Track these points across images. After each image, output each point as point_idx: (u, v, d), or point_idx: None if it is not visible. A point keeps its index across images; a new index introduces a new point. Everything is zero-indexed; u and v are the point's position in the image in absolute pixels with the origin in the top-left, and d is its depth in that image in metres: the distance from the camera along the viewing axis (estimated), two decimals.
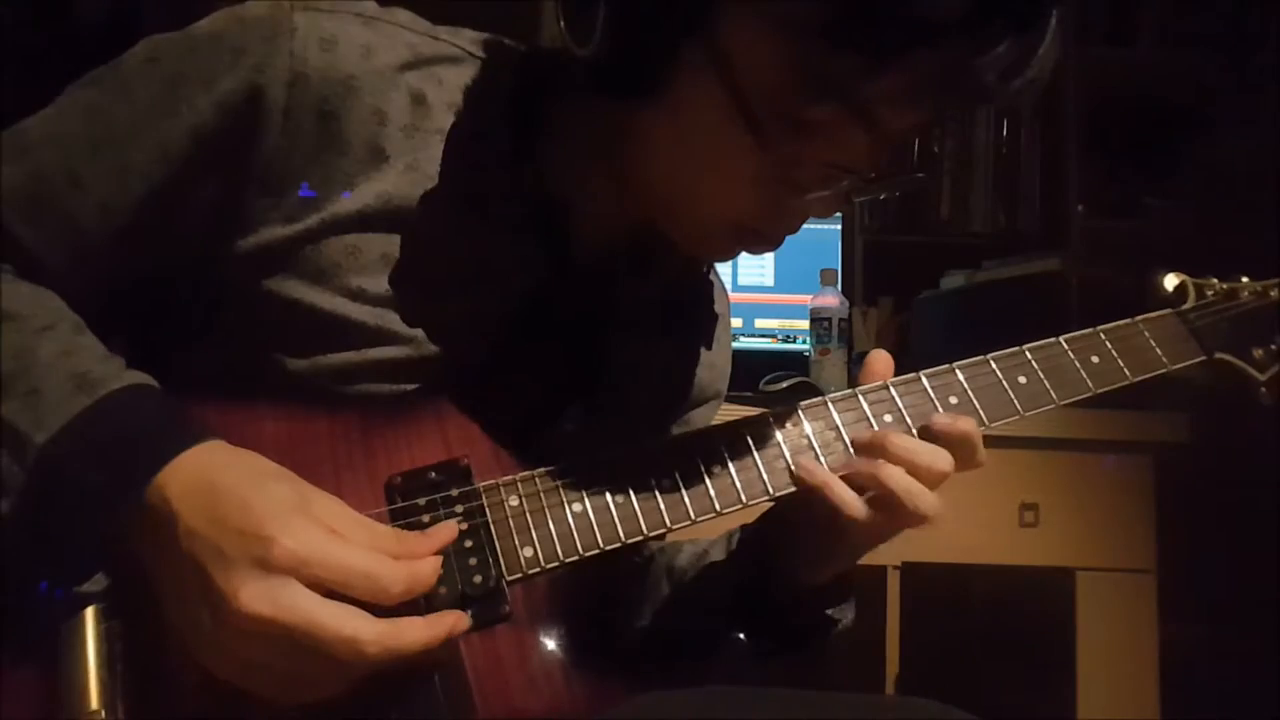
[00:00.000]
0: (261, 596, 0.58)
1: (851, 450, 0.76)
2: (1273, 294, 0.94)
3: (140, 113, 0.72)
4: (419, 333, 0.75)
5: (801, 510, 0.77)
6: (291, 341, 0.73)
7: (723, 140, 0.70)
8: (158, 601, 0.63)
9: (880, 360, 0.80)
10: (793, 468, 0.75)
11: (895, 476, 0.72)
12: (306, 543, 0.60)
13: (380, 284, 0.74)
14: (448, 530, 0.68)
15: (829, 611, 0.84)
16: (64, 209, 0.72)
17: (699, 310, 0.97)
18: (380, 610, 0.61)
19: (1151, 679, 1.71)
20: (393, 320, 0.74)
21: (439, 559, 0.66)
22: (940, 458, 0.73)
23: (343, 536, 0.62)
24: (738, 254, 0.81)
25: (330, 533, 0.61)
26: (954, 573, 1.77)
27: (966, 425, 0.75)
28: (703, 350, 0.98)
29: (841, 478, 0.74)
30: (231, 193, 0.72)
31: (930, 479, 0.73)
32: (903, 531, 0.75)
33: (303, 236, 0.73)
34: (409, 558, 0.64)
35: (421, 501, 0.70)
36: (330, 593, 0.60)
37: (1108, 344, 0.84)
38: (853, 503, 0.72)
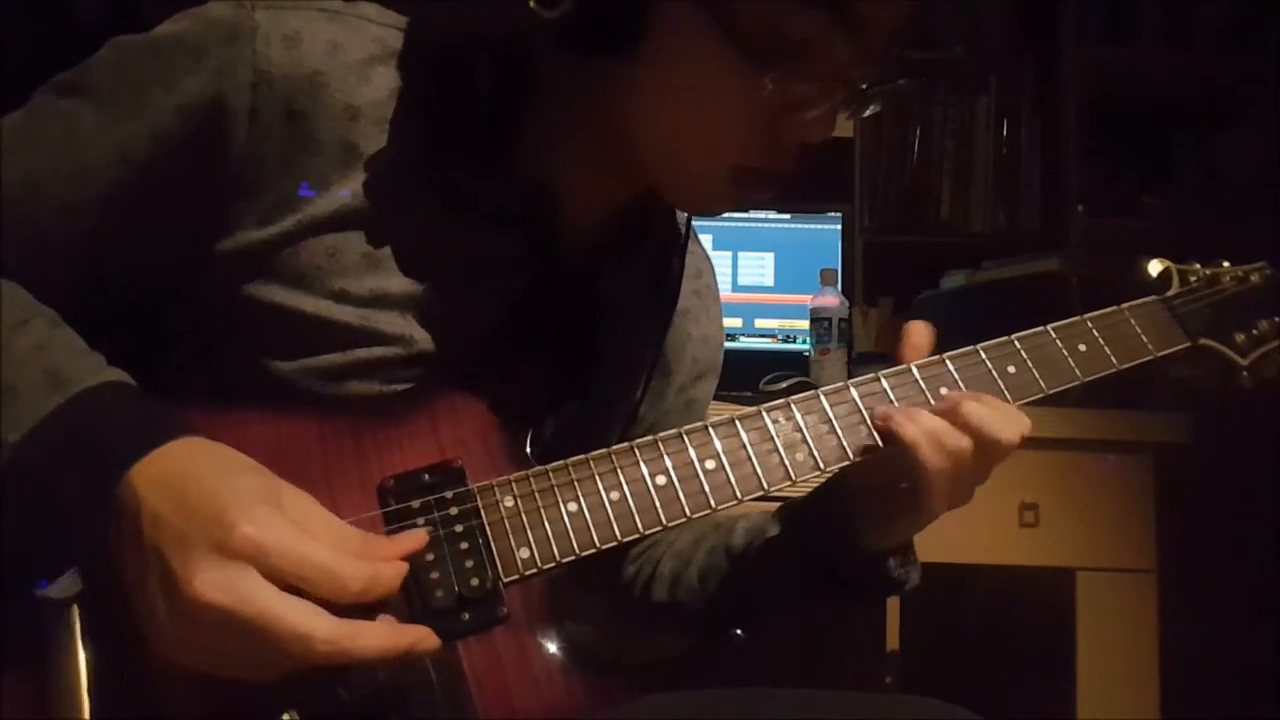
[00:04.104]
0: (217, 584, 0.57)
1: (844, 443, 0.76)
2: (1253, 278, 0.94)
3: (102, 115, 0.71)
4: (407, 333, 0.75)
5: (874, 478, 0.78)
6: (277, 345, 0.73)
7: (712, 76, 0.71)
8: (128, 596, 0.61)
9: (919, 333, 0.80)
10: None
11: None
12: (267, 531, 0.58)
13: (363, 285, 0.74)
14: (415, 537, 0.66)
15: (898, 574, 0.85)
16: (23, 212, 0.71)
17: (680, 287, 0.96)
18: (344, 611, 0.60)
19: (1151, 679, 1.70)
20: (379, 321, 0.74)
21: (403, 565, 0.64)
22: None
23: (306, 530, 0.60)
24: (740, 202, 0.80)
25: (293, 525, 0.60)
26: (954, 573, 1.77)
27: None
28: (694, 325, 0.98)
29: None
30: (201, 196, 0.72)
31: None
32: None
33: (279, 239, 0.72)
34: (372, 559, 0.62)
35: (415, 504, 0.69)
36: (290, 588, 0.58)
37: (1094, 332, 0.84)
38: (936, 456, 0.73)
